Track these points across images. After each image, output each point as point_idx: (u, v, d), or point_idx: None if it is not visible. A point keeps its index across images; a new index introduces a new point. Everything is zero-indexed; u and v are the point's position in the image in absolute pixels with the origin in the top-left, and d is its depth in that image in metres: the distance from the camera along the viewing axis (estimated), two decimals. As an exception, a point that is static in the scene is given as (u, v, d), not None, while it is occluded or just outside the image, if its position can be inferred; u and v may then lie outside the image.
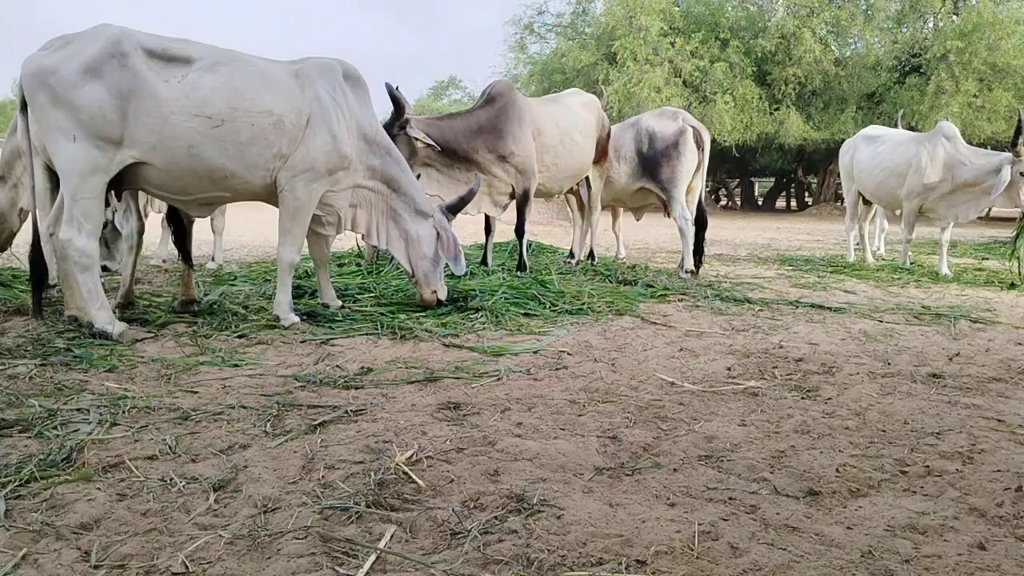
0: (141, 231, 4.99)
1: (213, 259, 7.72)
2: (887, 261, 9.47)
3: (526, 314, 5.23)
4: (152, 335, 4.30)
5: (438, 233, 5.01)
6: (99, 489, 2.20)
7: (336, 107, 4.58)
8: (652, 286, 6.61)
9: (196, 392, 3.26)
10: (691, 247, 7.69)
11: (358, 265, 7.25)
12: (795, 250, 11.84)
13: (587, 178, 7.87)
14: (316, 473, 2.36)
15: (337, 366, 3.78)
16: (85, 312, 4.17)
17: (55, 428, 2.71)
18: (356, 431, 2.79)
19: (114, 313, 4.33)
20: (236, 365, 3.74)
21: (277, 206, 4.63)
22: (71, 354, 3.76)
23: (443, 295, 5.20)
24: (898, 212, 8.59)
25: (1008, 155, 7.29)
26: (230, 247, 9.87)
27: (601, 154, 7.78)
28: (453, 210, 5.25)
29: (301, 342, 4.29)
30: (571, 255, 8.45)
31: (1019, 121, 7.14)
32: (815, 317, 5.48)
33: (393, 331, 4.55)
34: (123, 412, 2.92)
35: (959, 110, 21.79)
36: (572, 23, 28.24)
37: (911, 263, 8.75)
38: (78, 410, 2.92)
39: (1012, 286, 7.32)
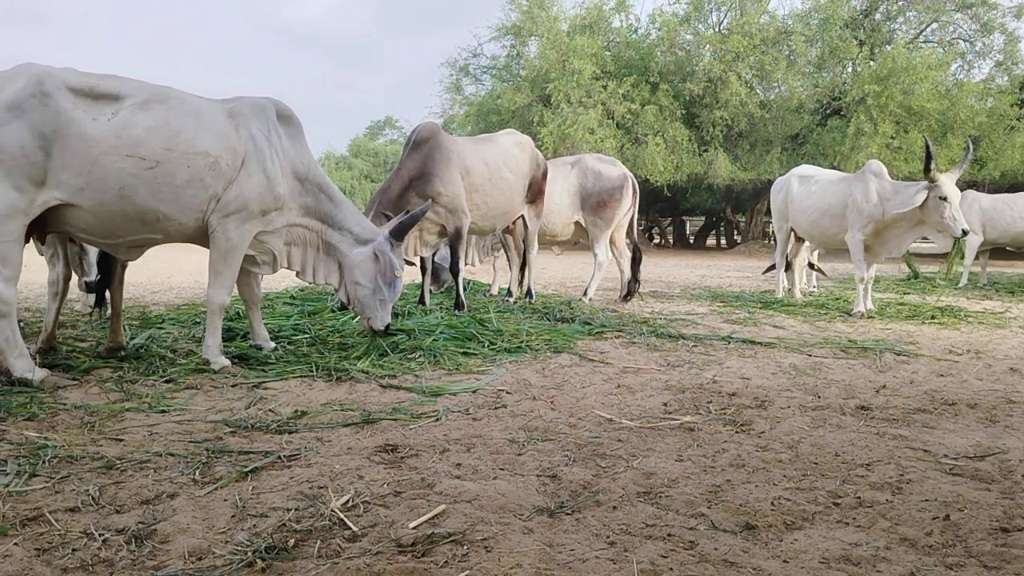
0: (67, 277, 4.83)
1: None
2: (813, 296, 9.74)
3: (465, 353, 5.21)
4: (75, 381, 4.13)
5: (376, 257, 4.84)
6: (16, 544, 2.09)
7: (270, 147, 4.51)
8: (589, 323, 6.66)
9: (121, 440, 3.13)
10: (599, 279, 8.87)
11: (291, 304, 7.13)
12: (726, 286, 12.11)
13: (523, 217, 7.94)
14: (247, 522, 2.29)
15: (270, 410, 3.69)
16: (3, 360, 3.99)
17: (-33, 481, 2.57)
18: (289, 477, 2.71)
19: (35, 359, 4.16)
20: (163, 411, 3.62)
21: (208, 247, 4.53)
22: (-13, 403, 3.59)
23: (380, 324, 4.92)
24: (828, 250, 8.86)
25: (924, 183, 7.51)
26: (158, 289, 9.61)
27: (536, 194, 7.87)
28: (397, 235, 4.97)
29: (232, 386, 4.17)
30: (509, 293, 8.48)
31: (927, 148, 7.44)
32: (747, 352, 5.60)
33: (328, 372, 4.48)
34: (43, 462, 2.79)
35: (878, 151, 22.82)
36: (507, 66, 28.75)
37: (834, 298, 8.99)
38: (-7, 462, 2.78)
39: (932, 318, 7.62)
